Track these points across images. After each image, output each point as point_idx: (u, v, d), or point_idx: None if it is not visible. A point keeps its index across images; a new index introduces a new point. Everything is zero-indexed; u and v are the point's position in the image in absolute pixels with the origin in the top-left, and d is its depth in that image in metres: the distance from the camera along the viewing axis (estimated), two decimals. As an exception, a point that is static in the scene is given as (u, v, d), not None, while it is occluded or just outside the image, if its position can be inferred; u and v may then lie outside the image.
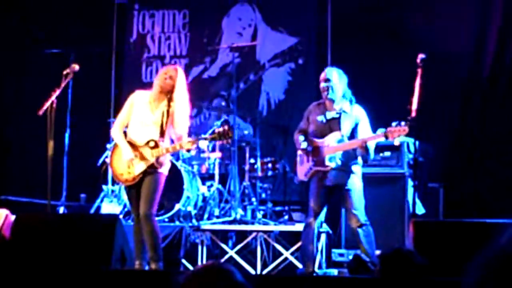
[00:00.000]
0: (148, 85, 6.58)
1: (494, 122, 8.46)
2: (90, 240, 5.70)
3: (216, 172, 8.04)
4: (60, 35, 9.46)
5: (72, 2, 9.84)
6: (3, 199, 8.29)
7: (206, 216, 7.80)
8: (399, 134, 5.93)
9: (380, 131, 6.06)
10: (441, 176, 8.04)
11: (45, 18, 9.78)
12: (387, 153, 7.37)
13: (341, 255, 7.29)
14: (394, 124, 5.92)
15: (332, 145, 6.24)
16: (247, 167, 8.17)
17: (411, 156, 7.17)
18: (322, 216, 6.33)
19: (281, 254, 7.39)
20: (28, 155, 9.27)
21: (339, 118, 6.31)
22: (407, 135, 7.11)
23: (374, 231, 6.20)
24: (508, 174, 8.10)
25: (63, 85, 6.43)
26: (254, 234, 7.47)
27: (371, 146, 6.18)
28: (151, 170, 6.03)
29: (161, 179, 6.09)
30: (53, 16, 9.76)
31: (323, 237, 7.17)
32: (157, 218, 6.33)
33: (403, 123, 5.88)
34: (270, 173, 8.17)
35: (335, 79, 6.32)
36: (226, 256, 7.44)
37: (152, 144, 6.01)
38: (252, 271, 7.13)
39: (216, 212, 7.86)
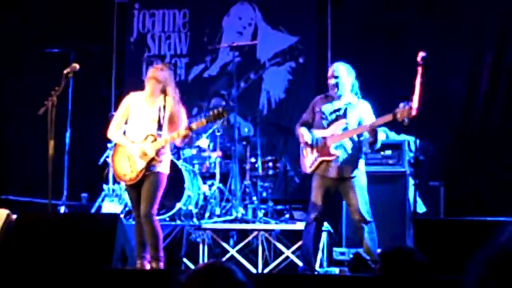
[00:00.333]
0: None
1: (494, 120, 8.47)
2: (91, 239, 5.70)
3: (217, 171, 8.04)
4: (61, 35, 9.46)
5: (72, 1, 9.84)
6: (3, 198, 8.29)
7: (207, 215, 7.81)
8: (408, 114, 5.87)
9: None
10: (441, 174, 8.04)
11: (45, 18, 9.78)
12: (388, 152, 7.37)
13: (342, 253, 7.29)
14: (401, 105, 5.89)
15: (337, 134, 6.23)
16: (248, 166, 8.18)
17: (412, 154, 7.17)
18: (323, 215, 6.32)
19: (282, 252, 7.39)
20: (29, 154, 9.27)
21: (345, 109, 6.30)
22: (408, 133, 7.13)
23: (375, 229, 6.20)
24: (509, 173, 8.10)
25: (63, 84, 6.43)
26: (255, 233, 7.47)
27: (380, 136, 6.15)
28: (152, 167, 6.06)
29: (162, 179, 6.11)
30: (53, 15, 9.77)
31: (324, 235, 7.17)
32: (158, 217, 6.34)
33: (411, 102, 5.85)
34: (271, 172, 8.17)
35: (344, 75, 6.32)
36: (227, 255, 7.45)
37: (151, 138, 6.08)
38: (253, 270, 7.14)
39: (217, 211, 7.87)
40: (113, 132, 6.28)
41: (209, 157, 8.14)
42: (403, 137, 7.34)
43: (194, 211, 7.67)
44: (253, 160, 8.20)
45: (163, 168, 6.13)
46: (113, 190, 8.14)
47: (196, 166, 8.06)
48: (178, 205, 7.54)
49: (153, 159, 6.03)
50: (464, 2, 8.71)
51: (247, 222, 7.71)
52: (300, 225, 7.22)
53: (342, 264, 7.04)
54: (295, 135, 6.57)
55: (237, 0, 9.86)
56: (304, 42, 9.56)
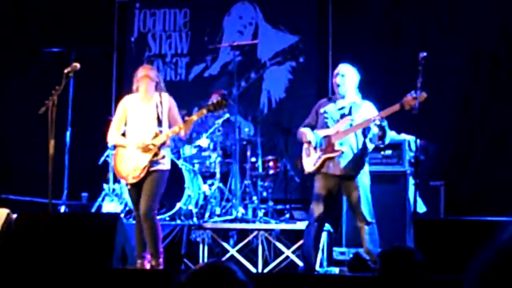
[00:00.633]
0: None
1: (495, 120, 8.47)
2: (91, 239, 5.70)
3: (217, 170, 8.04)
4: (61, 34, 9.47)
5: (73, 0, 9.84)
6: (4, 198, 8.29)
7: (207, 214, 7.81)
8: (416, 102, 5.86)
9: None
10: (442, 174, 8.04)
11: (46, 17, 9.79)
12: (388, 152, 7.37)
13: (342, 253, 7.29)
14: (409, 95, 5.89)
15: (342, 130, 6.22)
16: (248, 166, 8.18)
17: (412, 154, 7.17)
18: (325, 216, 6.31)
19: (282, 252, 7.39)
20: (29, 154, 9.26)
21: (350, 107, 6.30)
22: (409, 133, 7.13)
23: (377, 230, 6.19)
24: (509, 173, 8.09)
25: (64, 84, 6.43)
26: (255, 233, 7.47)
27: (389, 132, 6.15)
28: (155, 164, 6.08)
29: (164, 178, 6.13)
30: (54, 14, 9.77)
31: (324, 235, 7.16)
32: (158, 217, 6.35)
33: (419, 91, 5.85)
34: (271, 171, 8.17)
35: (349, 75, 6.32)
36: (228, 255, 7.45)
37: (152, 134, 6.12)
38: (253, 270, 7.14)
39: (217, 210, 7.87)
40: (113, 136, 6.32)
41: (209, 156, 8.14)
42: (403, 136, 7.34)
43: (194, 210, 7.67)
44: (253, 159, 8.20)
45: (165, 165, 6.17)
46: (113, 190, 8.15)
47: (196, 166, 8.06)
48: (178, 205, 7.54)
49: (156, 154, 6.06)
50: (464, 2, 8.71)
51: (247, 221, 7.71)
52: (300, 225, 7.22)
53: (342, 264, 7.04)
54: (296, 137, 6.55)
55: (238, -1, 9.87)
56: (305, 42, 9.57)
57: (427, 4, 8.88)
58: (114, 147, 6.59)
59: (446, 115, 8.56)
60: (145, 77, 6.19)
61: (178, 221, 7.58)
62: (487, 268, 1.53)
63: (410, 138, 7.17)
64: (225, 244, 7.58)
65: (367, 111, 6.29)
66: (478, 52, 8.57)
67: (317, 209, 6.21)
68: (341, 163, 6.18)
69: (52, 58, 8.71)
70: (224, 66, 9.80)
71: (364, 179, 6.22)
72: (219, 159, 8.06)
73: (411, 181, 7.10)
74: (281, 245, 7.42)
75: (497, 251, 1.54)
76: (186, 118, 6.26)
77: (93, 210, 8.10)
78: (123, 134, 6.38)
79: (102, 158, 8.34)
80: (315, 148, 6.28)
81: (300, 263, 6.97)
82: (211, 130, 8.13)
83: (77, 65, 6.55)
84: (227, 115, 8.19)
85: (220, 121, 8.11)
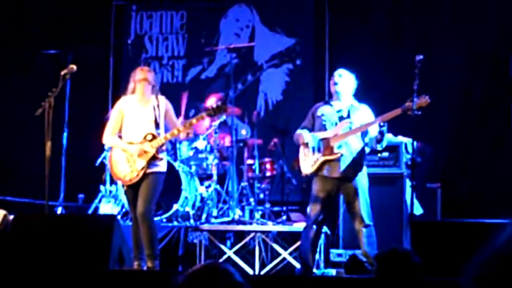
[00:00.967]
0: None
1: (492, 122, 8.48)
2: (88, 240, 5.70)
3: (214, 172, 8.04)
4: (58, 36, 9.46)
5: (70, 2, 9.83)
6: (1, 199, 8.27)
7: (204, 216, 7.80)
8: (419, 105, 5.86)
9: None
10: (439, 176, 8.05)
11: (43, 19, 9.78)
12: (385, 154, 7.37)
13: (339, 255, 7.29)
14: (410, 100, 5.91)
15: (341, 133, 6.22)
16: (245, 168, 8.18)
17: (409, 156, 7.18)
18: (323, 219, 6.31)
19: (279, 254, 7.39)
20: (26, 155, 9.25)
21: (348, 110, 6.31)
22: (406, 135, 7.14)
23: (375, 233, 6.19)
24: (505, 175, 8.11)
25: (60, 85, 6.43)
26: (252, 235, 7.47)
27: (386, 136, 6.16)
28: (153, 165, 6.08)
29: (160, 180, 6.14)
30: (50, 16, 9.76)
31: (321, 237, 7.16)
32: (155, 218, 6.35)
33: (424, 96, 5.87)
34: (268, 173, 8.17)
35: (346, 80, 6.33)
36: (224, 257, 7.44)
37: (149, 137, 6.13)
38: (250, 271, 7.14)
39: (214, 212, 7.87)
40: (109, 137, 6.31)
41: (206, 158, 8.14)
42: (400, 139, 7.34)
43: (191, 212, 7.67)
44: (250, 161, 8.21)
45: (162, 167, 6.17)
46: (110, 191, 8.14)
47: (193, 168, 8.06)
48: (175, 206, 7.54)
49: (153, 156, 6.06)
50: (464, 2, 8.72)
51: (244, 223, 7.71)
52: (297, 227, 7.22)
53: (339, 266, 7.04)
54: (293, 140, 6.54)
55: (235, 2, 9.87)
56: (302, 44, 9.57)
57: (426, 5, 8.88)
58: (110, 148, 6.59)
59: (443, 117, 8.56)
60: (143, 80, 6.19)
61: (175, 223, 7.58)
62: (483, 270, 1.53)
63: (407, 140, 7.17)
64: (222, 246, 7.58)
65: (365, 114, 6.30)
66: (478, 53, 8.57)
67: (315, 211, 6.21)
68: (340, 166, 6.18)
69: (49, 60, 8.69)
70: (220, 68, 9.80)
71: (362, 181, 6.22)
72: (216, 161, 8.06)
73: (408, 183, 7.11)
74: (278, 247, 7.42)
75: (493, 253, 1.54)
76: (186, 122, 6.24)
77: (90, 211, 8.10)
78: (120, 137, 6.36)
79: (99, 160, 8.33)
80: (312, 150, 6.28)
81: (297, 265, 6.97)
82: (208, 132, 8.13)
83: (74, 67, 6.55)
84: (223, 117, 8.19)
85: (216, 123, 8.11)
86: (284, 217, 7.99)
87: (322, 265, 7.23)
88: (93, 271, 5.38)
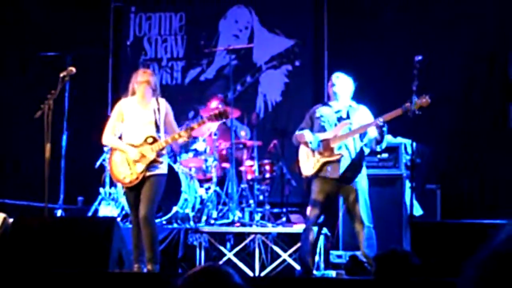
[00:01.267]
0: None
1: (491, 123, 8.48)
2: (87, 243, 5.70)
3: (214, 174, 8.04)
4: (57, 38, 9.46)
5: (69, 4, 9.83)
6: (0, 202, 8.27)
7: (204, 218, 7.80)
8: (420, 105, 5.86)
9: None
10: (438, 177, 8.05)
11: (42, 21, 9.77)
12: (385, 155, 7.38)
13: (339, 256, 7.28)
14: (410, 101, 5.90)
15: (341, 135, 6.22)
16: (244, 169, 8.18)
17: (408, 157, 7.18)
18: (323, 221, 6.31)
19: (279, 256, 7.38)
20: (25, 158, 9.26)
21: (347, 111, 6.31)
22: (405, 136, 7.14)
23: (375, 235, 6.18)
24: (505, 175, 8.11)
25: (59, 88, 6.43)
26: (252, 236, 7.47)
27: (386, 137, 6.15)
28: (153, 168, 6.07)
29: (162, 182, 6.13)
30: (49, 18, 9.76)
31: (321, 238, 7.16)
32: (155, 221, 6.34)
33: (425, 96, 5.87)
34: (267, 175, 8.17)
35: (344, 84, 6.33)
36: (224, 258, 7.44)
37: (150, 140, 6.12)
38: (250, 273, 7.13)
39: (214, 214, 7.87)
40: (108, 137, 6.29)
41: (206, 160, 8.14)
42: (399, 140, 7.35)
43: (191, 214, 7.67)
44: (249, 163, 8.20)
45: (163, 169, 6.17)
46: (110, 194, 8.14)
47: (193, 170, 8.06)
48: (175, 209, 7.54)
49: (154, 160, 6.06)
50: (463, 2, 8.72)
51: (244, 225, 7.70)
52: (297, 228, 7.22)
53: (339, 267, 7.04)
54: (293, 141, 6.53)
55: (234, 3, 9.87)
56: (301, 45, 9.57)
57: (425, 5, 8.88)
58: (110, 150, 6.58)
59: (442, 117, 8.56)
60: (144, 82, 6.18)
61: (175, 225, 7.58)
62: (482, 271, 1.53)
63: (406, 141, 7.17)
64: (222, 248, 7.57)
65: (364, 115, 6.30)
66: (476, 54, 8.57)
67: (315, 213, 6.20)
68: (340, 167, 6.18)
69: (48, 62, 8.69)
70: (220, 70, 9.80)
71: (362, 182, 6.22)
72: (215, 163, 8.06)
73: (408, 184, 7.11)
74: (278, 248, 7.41)
75: (491, 253, 1.54)
76: (187, 127, 6.24)
77: (90, 214, 8.09)
78: (120, 137, 6.35)
79: (99, 162, 8.33)
80: (312, 151, 6.27)
81: (297, 267, 6.97)
82: (207, 134, 8.13)
83: (73, 69, 6.55)
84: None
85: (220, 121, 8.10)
86: (284, 219, 7.98)
87: (322, 266, 7.23)
88: (92, 273, 5.37)
